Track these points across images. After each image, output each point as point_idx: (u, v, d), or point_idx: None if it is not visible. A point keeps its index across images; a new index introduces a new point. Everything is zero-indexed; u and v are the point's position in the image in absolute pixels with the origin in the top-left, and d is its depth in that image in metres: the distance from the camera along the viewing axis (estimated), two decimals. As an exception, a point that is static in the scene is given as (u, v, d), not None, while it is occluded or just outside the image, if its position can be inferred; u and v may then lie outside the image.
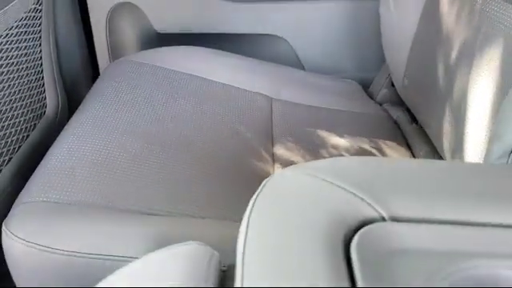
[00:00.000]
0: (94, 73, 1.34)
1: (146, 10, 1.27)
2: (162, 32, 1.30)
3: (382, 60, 1.09)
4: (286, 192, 0.37)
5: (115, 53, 1.30)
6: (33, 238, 0.57)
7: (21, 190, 0.70)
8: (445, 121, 0.77)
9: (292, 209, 0.35)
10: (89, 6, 1.24)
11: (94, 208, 0.61)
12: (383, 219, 0.33)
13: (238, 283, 0.31)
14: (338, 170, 0.39)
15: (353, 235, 0.32)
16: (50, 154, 0.72)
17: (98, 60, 1.31)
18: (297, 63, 1.27)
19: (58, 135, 0.83)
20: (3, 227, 0.60)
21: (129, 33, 1.30)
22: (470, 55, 0.71)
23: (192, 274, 0.34)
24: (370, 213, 0.34)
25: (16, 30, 0.83)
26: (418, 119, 0.94)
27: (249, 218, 0.35)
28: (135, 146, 0.74)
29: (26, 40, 0.89)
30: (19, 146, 0.90)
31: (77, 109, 0.91)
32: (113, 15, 1.27)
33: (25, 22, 0.86)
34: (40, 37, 0.96)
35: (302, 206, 0.35)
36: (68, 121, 0.89)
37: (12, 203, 0.68)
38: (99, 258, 0.54)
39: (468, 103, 0.69)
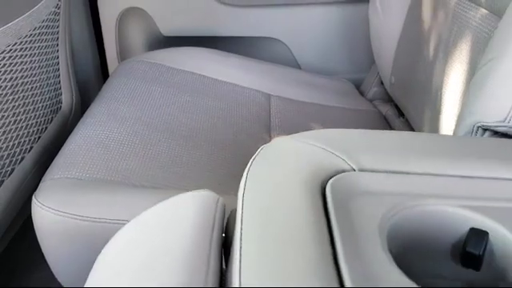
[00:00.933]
0: (103, 73, 1.43)
1: (153, 15, 1.36)
2: (167, 35, 1.38)
3: (372, 61, 1.18)
4: (277, 152, 0.46)
5: (124, 54, 1.39)
6: (60, 207, 0.65)
7: (41, 174, 0.78)
8: (425, 112, 0.86)
9: (281, 163, 0.44)
10: (100, 10, 1.34)
11: (111, 183, 0.70)
12: (353, 170, 0.42)
13: (238, 222, 0.39)
14: (321, 136, 0.47)
15: (328, 181, 0.41)
16: (71, 139, 0.81)
17: (108, 61, 1.40)
18: (294, 64, 1.36)
19: (71, 128, 0.92)
20: (33, 199, 0.68)
21: (137, 36, 1.39)
22: (445, 51, 0.80)
23: (202, 212, 0.42)
24: (342, 165, 0.42)
25: (38, 30, 0.92)
26: (404, 113, 1.02)
27: (248, 170, 0.43)
28: (145, 133, 0.83)
29: (46, 40, 0.98)
30: (39, 137, 0.99)
31: (87, 105, 1.00)
32: (122, 19, 1.36)
33: (46, 23, 0.95)
34: (57, 38, 1.05)
35: (289, 161, 0.44)
36: (81, 116, 0.98)
37: (34, 185, 0.77)
38: (117, 223, 0.63)
39: (443, 94, 0.78)
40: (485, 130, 0.60)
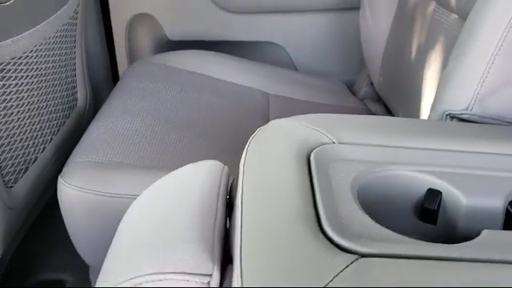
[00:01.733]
0: (113, 73, 1.53)
1: (160, 20, 1.46)
2: (173, 39, 1.48)
3: (362, 63, 1.27)
4: (272, 131, 0.55)
5: (132, 56, 1.49)
6: (84, 185, 0.75)
7: (59, 162, 0.87)
8: (407, 107, 0.95)
9: (275, 138, 0.53)
10: (111, 15, 1.43)
11: (126, 165, 0.80)
12: (333, 143, 0.52)
13: (239, 186, 0.49)
14: (308, 118, 0.57)
15: (312, 151, 0.50)
16: (90, 129, 0.90)
17: (118, 62, 1.50)
18: (291, 65, 1.45)
19: (86, 122, 1.01)
20: (59, 179, 0.78)
21: (145, 39, 1.49)
22: (424, 52, 0.89)
23: (210, 178, 0.51)
24: (324, 139, 0.52)
25: (60, 33, 1.02)
26: (391, 110, 1.12)
27: (248, 145, 0.53)
28: (155, 125, 0.93)
29: (65, 42, 1.07)
30: (58, 130, 1.08)
31: (99, 101, 1.09)
32: (132, 24, 1.46)
33: (66, 27, 1.05)
34: (75, 40, 1.14)
35: (281, 137, 0.53)
36: (93, 111, 1.07)
37: (55, 172, 0.86)
38: (133, 198, 0.71)
39: (422, 90, 0.87)
40: (452, 117, 0.69)
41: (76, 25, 1.12)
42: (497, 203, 0.47)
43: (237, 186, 0.49)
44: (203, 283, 0.38)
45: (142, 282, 0.38)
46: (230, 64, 1.28)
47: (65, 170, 0.80)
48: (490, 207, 0.47)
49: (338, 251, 0.37)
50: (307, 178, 0.47)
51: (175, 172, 0.54)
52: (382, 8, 1.09)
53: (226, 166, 0.54)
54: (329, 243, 0.38)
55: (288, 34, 1.46)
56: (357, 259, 0.36)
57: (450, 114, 0.68)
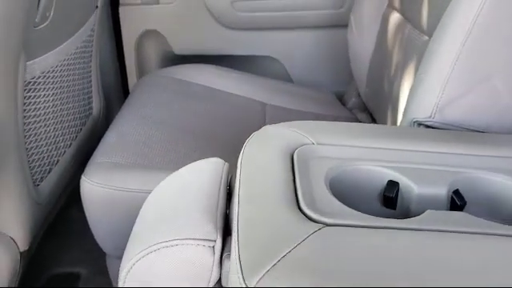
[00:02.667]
0: (123, 85, 1.65)
1: (167, 36, 1.58)
2: (179, 53, 1.61)
3: (351, 76, 1.40)
4: (264, 134, 0.68)
5: (141, 69, 1.62)
6: (105, 182, 0.87)
7: (77, 164, 0.99)
8: (387, 116, 1.08)
9: (267, 140, 0.65)
10: (122, 32, 1.56)
11: (141, 165, 0.92)
12: (312, 143, 0.64)
13: (237, 179, 0.61)
14: (296, 124, 0.69)
15: (295, 150, 0.62)
16: (108, 134, 1.03)
17: (128, 74, 1.62)
18: (287, 78, 1.58)
19: (101, 130, 1.13)
20: (83, 177, 0.90)
21: (152, 53, 1.62)
22: (402, 67, 1.02)
23: (214, 172, 0.64)
24: (306, 141, 0.64)
25: (80, 49, 1.15)
26: (375, 118, 1.24)
27: (245, 146, 0.65)
28: (165, 130, 1.05)
29: (84, 57, 1.20)
30: (76, 136, 1.21)
31: (111, 111, 1.21)
32: (141, 39, 1.59)
33: (85, 43, 1.18)
34: (91, 55, 1.27)
35: (271, 139, 0.65)
36: (105, 120, 1.19)
37: (74, 173, 0.98)
38: (148, 192, 0.84)
39: (398, 101, 1.00)
40: (419, 124, 0.81)
41: (92, 41, 1.25)
42: (442, 191, 0.60)
43: (235, 178, 0.62)
44: (209, 247, 0.51)
45: (165, 246, 0.50)
46: (231, 76, 1.40)
47: (87, 169, 0.92)
48: (436, 194, 0.59)
49: (310, 222, 0.49)
50: (290, 171, 0.59)
51: (186, 167, 0.66)
52: (366, 27, 1.22)
53: (226, 163, 0.66)
54: (304, 217, 0.50)
55: (284, 48, 1.58)
56: (323, 227, 0.48)
57: (417, 121, 0.81)
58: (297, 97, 1.39)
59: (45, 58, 0.95)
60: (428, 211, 0.54)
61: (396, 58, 1.06)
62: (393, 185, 0.61)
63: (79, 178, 0.94)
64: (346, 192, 0.60)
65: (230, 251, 0.53)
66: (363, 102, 1.33)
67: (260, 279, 0.43)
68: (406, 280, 0.43)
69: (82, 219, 1.35)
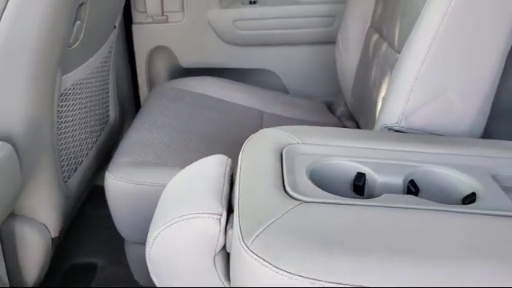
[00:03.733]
0: (135, 95, 1.82)
1: (175, 51, 1.75)
2: (185, 67, 1.78)
3: (339, 87, 1.57)
4: (260, 137, 0.84)
5: (152, 81, 1.78)
6: (127, 177, 1.03)
7: (98, 163, 1.15)
8: (368, 123, 1.24)
9: (262, 141, 0.82)
10: (135, 48, 1.73)
11: (156, 163, 1.08)
12: (298, 143, 0.80)
13: (238, 171, 0.77)
14: (286, 128, 0.85)
15: (284, 148, 0.79)
16: (126, 138, 1.19)
17: (139, 86, 1.79)
18: (283, 89, 1.75)
19: (116, 135, 1.30)
20: (107, 173, 1.06)
21: (162, 67, 1.79)
22: (379, 80, 1.18)
23: (219, 165, 0.80)
24: (293, 141, 0.80)
25: (101, 64, 1.32)
26: (359, 125, 1.40)
27: (244, 145, 0.81)
28: (176, 135, 1.21)
29: (103, 71, 1.37)
30: (96, 140, 1.37)
31: (124, 119, 1.37)
32: (151, 54, 1.75)
33: (105, 59, 1.35)
34: (109, 69, 1.44)
35: (266, 140, 0.82)
36: (120, 126, 1.35)
37: (94, 170, 1.15)
38: (164, 186, 1.00)
39: (375, 110, 1.16)
40: (389, 129, 0.98)
41: (111, 57, 1.42)
42: (399, 181, 0.76)
43: (236, 170, 0.78)
44: (217, 219, 0.67)
45: (183, 218, 0.67)
46: (232, 88, 1.56)
47: (110, 167, 1.08)
48: (395, 183, 0.75)
49: (292, 200, 0.65)
50: (279, 164, 0.76)
51: (197, 162, 0.83)
52: (351, 45, 1.39)
53: (229, 159, 0.82)
54: (288, 196, 0.66)
55: (280, 62, 1.75)
56: (302, 203, 0.64)
57: (387, 126, 0.97)
58: (291, 106, 1.55)
59: (75, 73, 1.11)
60: (385, 194, 0.71)
61: (374, 72, 1.22)
62: (361, 175, 0.77)
63: (99, 176, 1.10)
64: (323, 181, 0.76)
65: (232, 223, 0.69)
66: (349, 110, 1.49)
67: (254, 239, 0.59)
68: (363, 237, 0.59)
69: (97, 216, 1.51)
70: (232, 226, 0.67)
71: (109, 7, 1.26)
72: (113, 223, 1.12)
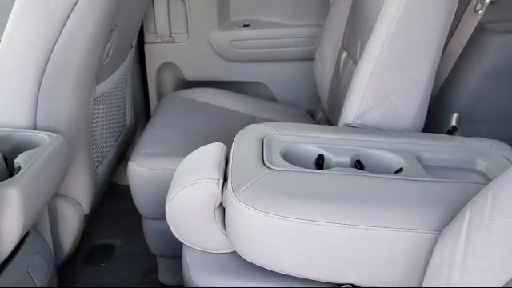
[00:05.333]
0: (145, 103, 2.11)
1: (180, 67, 2.03)
2: (189, 80, 2.06)
3: (319, 97, 1.86)
4: (249, 130, 1.13)
5: (160, 91, 2.07)
6: (146, 165, 1.33)
7: (118, 158, 1.45)
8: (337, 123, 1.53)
9: (249, 133, 1.11)
10: (146, 64, 2.02)
11: (168, 155, 1.37)
12: (276, 134, 1.10)
13: (230, 154, 1.06)
14: (268, 124, 1.15)
15: (265, 137, 1.08)
16: (144, 135, 1.48)
17: (150, 96, 2.08)
18: (272, 98, 2.04)
19: (131, 136, 1.59)
20: (130, 162, 1.35)
21: (169, 79, 2.08)
22: (346, 88, 1.48)
23: (217, 149, 1.09)
24: (272, 132, 1.10)
25: (122, 76, 1.61)
26: (334, 127, 1.69)
27: (236, 137, 1.10)
28: (183, 134, 1.50)
29: (123, 82, 1.66)
30: (116, 139, 1.66)
31: (137, 123, 1.66)
32: (160, 69, 2.04)
33: (125, 71, 1.65)
34: (127, 80, 1.74)
35: (252, 132, 1.11)
36: (135, 129, 1.65)
37: (115, 163, 1.45)
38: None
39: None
40: (349, 126, 1.27)
41: (128, 70, 1.72)
42: (348, 160, 1.05)
43: (230, 153, 1.07)
44: (216, 183, 0.96)
45: (192, 183, 0.96)
46: (229, 97, 1.84)
47: (132, 157, 1.37)
48: (345, 162, 1.04)
49: (268, 169, 0.94)
50: (261, 148, 1.05)
51: (199, 148, 1.12)
52: (326, 61, 1.69)
53: (225, 145, 1.11)
54: (265, 167, 0.95)
55: (270, 76, 2.04)
56: (274, 171, 0.93)
57: (347, 123, 1.26)
58: (279, 112, 1.85)
59: (104, 84, 1.41)
60: (336, 168, 1.00)
61: (343, 84, 1.52)
62: (320, 156, 1.06)
63: (114, 174, 1.37)
64: (293, 160, 1.04)
65: (226, 186, 0.97)
66: (326, 115, 1.79)
67: (241, 193, 0.88)
68: (315, 190, 0.88)
69: (112, 206, 1.79)
70: (227, 188, 0.96)
71: (129, 31, 1.56)
72: (126, 211, 1.38)
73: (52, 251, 1.26)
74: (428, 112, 1.28)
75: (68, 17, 1.12)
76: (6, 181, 0.93)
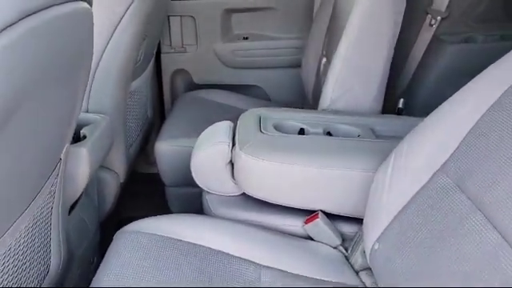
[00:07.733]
0: (161, 102, 2.50)
1: (190, 72, 2.41)
2: (197, 83, 2.45)
3: (306, 97, 2.26)
4: (248, 114, 1.53)
5: (174, 93, 2.46)
6: (170, 143, 1.72)
7: (140, 146, 1.85)
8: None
9: (248, 117, 1.51)
10: (162, 70, 2.42)
11: (188, 136, 1.77)
12: (269, 113, 1.49)
13: (237, 130, 1.46)
14: (265, 108, 1.55)
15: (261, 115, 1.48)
16: (165, 125, 1.88)
17: (164, 98, 2.47)
18: (267, 98, 2.42)
19: (150, 128, 2.00)
20: (157, 143, 1.75)
21: (180, 83, 2.48)
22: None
23: (227, 126, 1.48)
24: (265, 112, 1.50)
25: (146, 77, 2.02)
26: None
27: (239, 118, 1.50)
28: (196, 123, 1.89)
29: (146, 82, 2.06)
30: (140, 130, 2.05)
31: (155, 119, 2.07)
32: (173, 75, 2.44)
33: (147, 75, 2.05)
34: (148, 82, 2.14)
35: (252, 114, 1.51)
36: (152, 124, 2.06)
37: (140, 149, 1.86)
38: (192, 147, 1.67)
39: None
40: (324, 110, 1.67)
41: (150, 74, 2.12)
42: (321, 131, 1.44)
43: (236, 128, 1.47)
44: (227, 145, 1.35)
45: (210, 146, 1.35)
46: (231, 97, 2.24)
47: (159, 138, 1.77)
48: (319, 133, 1.44)
49: (263, 134, 1.34)
50: (258, 122, 1.44)
51: (213, 125, 1.51)
52: (310, 67, 2.09)
53: (232, 123, 1.51)
54: (262, 133, 1.35)
55: (265, 80, 2.41)
56: (267, 135, 1.33)
57: (323, 109, 1.66)
58: (272, 109, 2.25)
59: (136, 81, 1.81)
60: (312, 135, 1.40)
61: (322, 83, 1.92)
62: (302, 129, 1.46)
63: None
64: (281, 132, 1.44)
65: (234, 147, 1.36)
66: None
67: (245, 148, 1.28)
68: (296, 145, 1.28)
69: (136, 189, 2.17)
70: (235, 148, 1.35)
71: (153, 41, 1.97)
72: (147, 193, 1.75)
73: (97, 208, 1.65)
74: (394, 108, 1.68)
75: (114, 31, 1.53)
76: (79, 143, 1.32)
